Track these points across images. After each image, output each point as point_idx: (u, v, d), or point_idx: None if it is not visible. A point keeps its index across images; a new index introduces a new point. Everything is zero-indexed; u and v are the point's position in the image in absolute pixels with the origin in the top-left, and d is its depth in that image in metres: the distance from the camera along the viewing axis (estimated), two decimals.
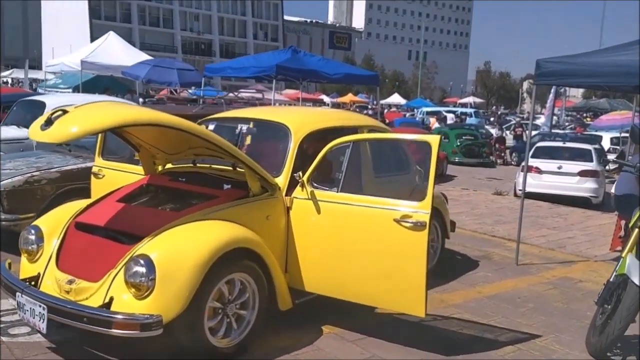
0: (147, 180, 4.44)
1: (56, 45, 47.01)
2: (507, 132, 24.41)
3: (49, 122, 3.27)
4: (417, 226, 3.69)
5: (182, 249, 3.49)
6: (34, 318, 3.41)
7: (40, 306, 3.38)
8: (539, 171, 11.76)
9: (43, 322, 3.36)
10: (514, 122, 27.84)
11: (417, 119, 29.04)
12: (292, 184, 4.22)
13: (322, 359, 3.81)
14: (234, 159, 4.00)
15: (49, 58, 27.67)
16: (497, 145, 21.46)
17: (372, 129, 5.12)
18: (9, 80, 35.90)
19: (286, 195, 4.20)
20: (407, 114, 34.80)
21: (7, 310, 4.09)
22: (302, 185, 4.14)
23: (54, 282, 3.62)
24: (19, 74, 34.41)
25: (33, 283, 3.68)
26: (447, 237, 6.01)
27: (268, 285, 3.87)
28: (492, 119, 37.32)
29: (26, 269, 3.85)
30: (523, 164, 10.02)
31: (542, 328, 4.54)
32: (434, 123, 25.67)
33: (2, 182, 5.47)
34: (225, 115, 5.34)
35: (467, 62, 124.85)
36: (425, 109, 34.19)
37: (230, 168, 4.31)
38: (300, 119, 4.77)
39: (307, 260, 4.13)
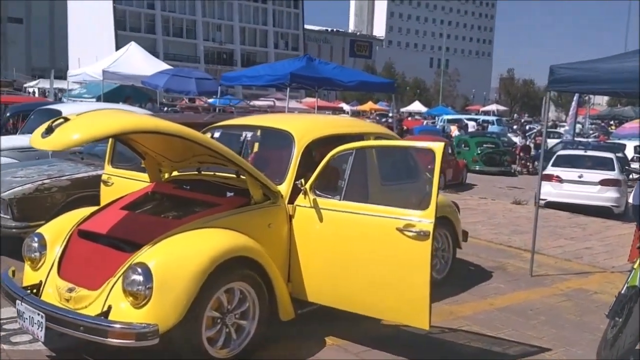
0: (152, 187, 4.44)
1: (82, 56, 47.82)
2: (529, 140, 24.03)
3: (49, 130, 3.29)
4: (421, 235, 3.61)
5: (181, 257, 3.46)
6: (32, 326, 3.41)
7: (38, 314, 3.38)
8: (559, 180, 11.55)
9: (41, 330, 3.36)
10: (535, 130, 27.42)
11: (437, 126, 28.83)
12: (296, 191, 4.18)
13: None
14: (236, 166, 3.98)
15: (75, 69, 28.13)
16: (521, 154, 21.07)
17: (378, 137, 5.05)
18: (35, 90, 36.63)
19: (289, 203, 4.16)
20: (425, 122, 34.57)
21: (10, 318, 4.10)
22: (305, 193, 4.09)
23: (54, 290, 3.62)
24: (45, 84, 35.10)
25: (35, 291, 3.68)
26: (459, 247, 5.89)
27: (269, 295, 3.82)
28: (514, 127, 36.82)
29: (29, 276, 3.86)
30: (544, 172, 9.84)
31: (553, 341, 4.41)
32: (454, 131, 25.43)
33: (13, 190, 5.53)
34: (231, 122, 5.32)
35: (491, 69, 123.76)
36: (446, 117, 33.93)
37: (234, 176, 4.28)
38: (304, 126, 4.72)
39: (309, 269, 4.07)
